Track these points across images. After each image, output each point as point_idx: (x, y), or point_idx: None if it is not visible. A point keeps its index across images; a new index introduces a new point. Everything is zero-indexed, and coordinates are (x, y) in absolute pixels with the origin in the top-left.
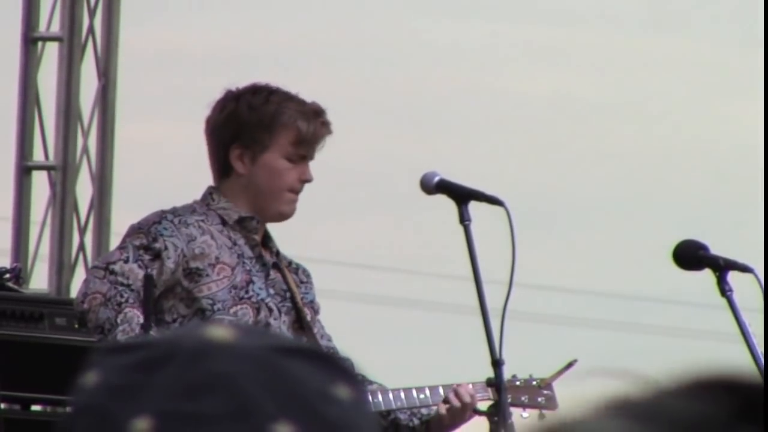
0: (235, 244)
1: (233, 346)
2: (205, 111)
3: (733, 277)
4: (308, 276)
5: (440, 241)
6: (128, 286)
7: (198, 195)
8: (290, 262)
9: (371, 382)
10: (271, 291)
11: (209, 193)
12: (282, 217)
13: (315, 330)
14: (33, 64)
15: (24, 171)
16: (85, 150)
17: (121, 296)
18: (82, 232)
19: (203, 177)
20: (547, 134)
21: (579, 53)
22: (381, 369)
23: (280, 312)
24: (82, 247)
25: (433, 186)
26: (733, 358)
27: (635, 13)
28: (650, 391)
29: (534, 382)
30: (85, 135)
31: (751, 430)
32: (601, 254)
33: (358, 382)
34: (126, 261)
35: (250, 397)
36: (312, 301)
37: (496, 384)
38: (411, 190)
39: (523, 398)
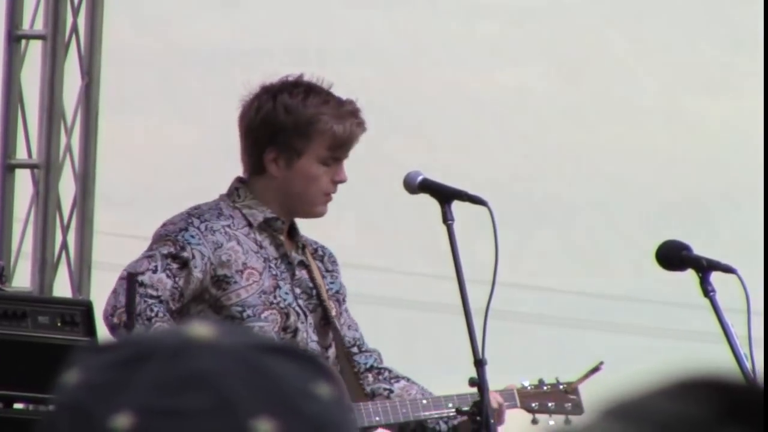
0: (261, 247)
1: (214, 344)
2: (185, 109)
3: (715, 277)
4: (334, 262)
5: (423, 241)
6: (158, 298)
7: (180, 193)
8: (316, 249)
9: (398, 378)
10: (297, 291)
11: (236, 188)
12: (313, 216)
13: (341, 321)
14: (16, 62)
15: (7, 169)
16: (69, 148)
17: (151, 310)
18: (65, 230)
19: (186, 174)
20: (527, 134)
21: (568, 51)
22: None
23: (305, 314)
24: (65, 245)
25: (417, 185)
26: (716, 359)
27: (606, 9)
28: (638, 392)
29: (561, 387)
30: (69, 133)
31: (738, 430)
32: (584, 254)
33: (338, 381)
34: (154, 271)
35: (231, 394)
36: (337, 291)
37: (478, 384)
38: (394, 189)
39: (550, 405)
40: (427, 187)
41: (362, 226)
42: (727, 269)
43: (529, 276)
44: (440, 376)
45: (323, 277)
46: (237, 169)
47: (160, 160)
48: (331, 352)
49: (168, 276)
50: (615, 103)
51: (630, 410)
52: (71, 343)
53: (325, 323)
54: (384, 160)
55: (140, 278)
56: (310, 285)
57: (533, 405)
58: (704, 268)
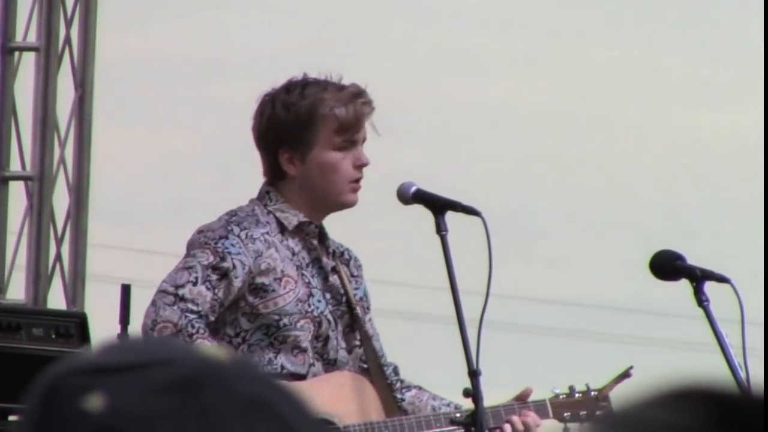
0: (294, 254)
1: (245, 367)
2: (179, 120)
3: (709, 287)
4: (359, 267)
5: (417, 252)
6: (198, 313)
7: (174, 204)
8: (342, 253)
9: (409, 387)
10: (328, 296)
11: (266, 191)
12: (344, 207)
13: (368, 331)
14: (10, 74)
15: (1, 181)
16: (62, 160)
17: (192, 326)
18: (59, 242)
19: (180, 186)
20: (514, 145)
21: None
22: None
23: (336, 322)
24: (59, 257)
25: (410, 196)
26: (711, 369)
27: (591, 22)
28: (632, 402)
29: (593, 393)
30: (62, 145)
31: None
32: (578, 264)
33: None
34: (195, 283)
35: (291, 421)
36: (362, 298)
37: (473, 394)
38: (388, 199)
39: (582, 414)
40: (421, 197)
41: (354, 236)
42: (721, 279)
43: (523, 287)
44: (434, 387)
45: (350, 281)
46: (232, 180)
47: (154, 171)
48: (352, 357)
49: (208, 288)
50: (609, 114)
51: (624, 419)
52: (65, 355)
53: (350, 330)
54: (376, 170)
55: (181, 292)
56: (341, 292)
57: (566, 415)
58: (698, 277)
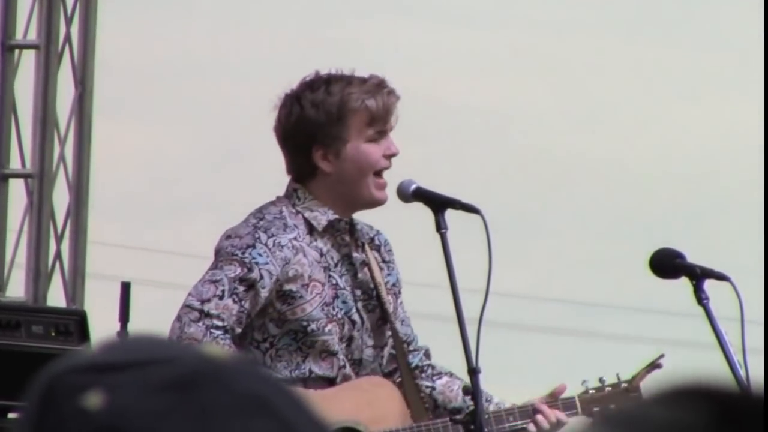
0: (322, 255)
1: (245, 367)
2: (178, 118)
3: (709, 285)
4: (390, 251)
5: (416, 250)
6: (224, 328)
7: (174, 202)
8: (372, 239)
9: (440, 374)
10: (359, 292)
11: (294, 189)
12: (375, 203)
13: (397, 320)
14: (10, 71)
15: (1, 179)
16: (62, 158)
17: (218, 344)
18: (59, 240)
19: (180, 184)
20: (506, 144)
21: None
22: None
23: (363, 320)
24: (58, 255)
25: (410, 194)
26: (710, 367)
27: (591, 22)
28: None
29: (624, 385)
30: (62, 143)
31: None
32: (577, 263)
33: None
34: (221, 297)
35: (292, 422)
36: (393, 285)
37: (472, 392)
38: (388, 198)
39: (611, 407)
40: (421, 195)
41: None
42: (721, 277)
43: (523, 285)
44: None
45: (381, 269)
46: (231, 179)
47: (153, 169)
48: (386, 351)
49: (234, 301)
50: (609, 113)
51: (626, 417)
52: (65, 352)
53: (383, 323)
54: None
55: (206, 308)
56: (371, 286)
57: (595, 410)
58: (698, 275)
